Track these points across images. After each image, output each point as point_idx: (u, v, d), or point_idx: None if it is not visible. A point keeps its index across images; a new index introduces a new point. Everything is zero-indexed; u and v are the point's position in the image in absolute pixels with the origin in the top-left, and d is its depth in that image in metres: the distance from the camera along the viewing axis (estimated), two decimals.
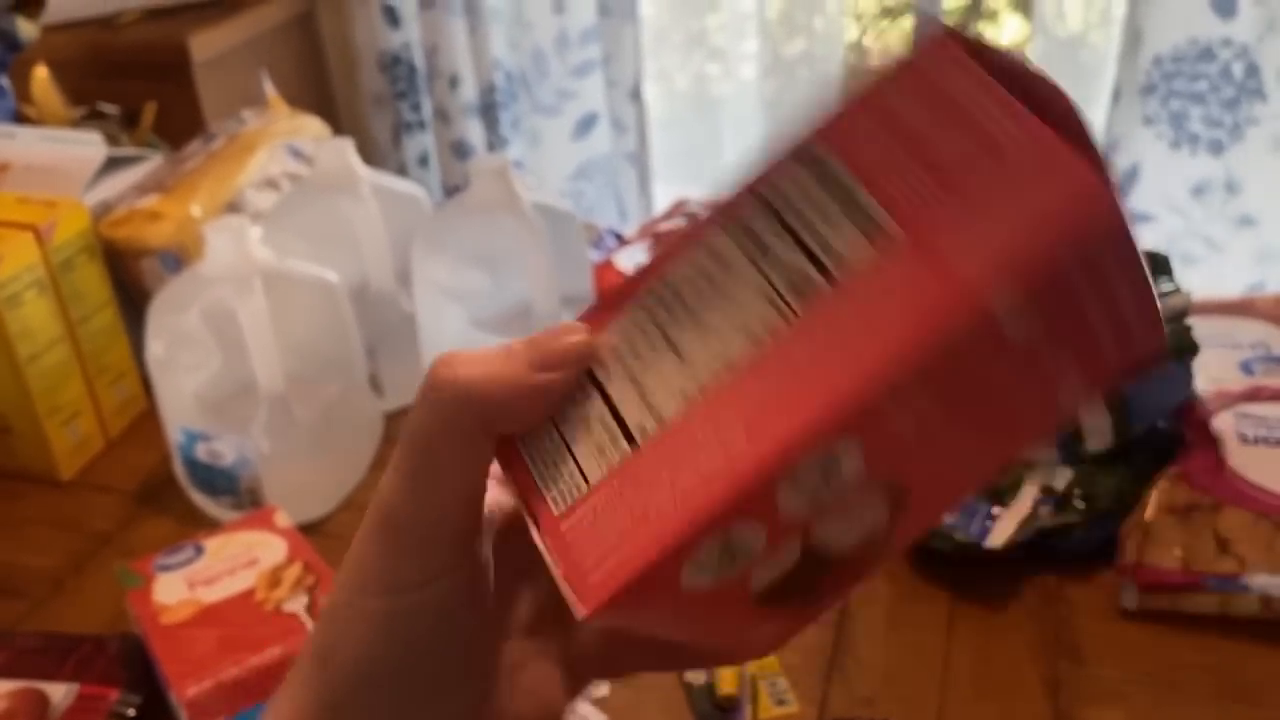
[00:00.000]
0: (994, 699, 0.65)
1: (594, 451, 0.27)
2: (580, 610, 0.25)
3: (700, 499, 0.25)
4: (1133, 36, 1.42)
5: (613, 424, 0.27)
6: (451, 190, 1.98)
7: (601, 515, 0.26)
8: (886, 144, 0.25)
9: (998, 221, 0.24)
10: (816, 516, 0.26)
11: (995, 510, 0.72)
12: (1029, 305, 0.23)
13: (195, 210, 0.94)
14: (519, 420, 0.27)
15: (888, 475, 0.26)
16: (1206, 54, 1.38)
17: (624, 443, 0.26)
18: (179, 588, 0.67)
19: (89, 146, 1.00)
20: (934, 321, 0.24)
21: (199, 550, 0.70)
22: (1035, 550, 0.73)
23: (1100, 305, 0.24)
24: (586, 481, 0.27)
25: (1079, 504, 0.72)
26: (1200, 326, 0.83)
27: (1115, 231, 0.23)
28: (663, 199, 1.94)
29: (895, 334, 0.24)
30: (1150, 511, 0.70)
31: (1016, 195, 0.24)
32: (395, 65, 1.93)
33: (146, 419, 0.94)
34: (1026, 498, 0.72)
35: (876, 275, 0.25)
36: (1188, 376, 0.74)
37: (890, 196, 0.25)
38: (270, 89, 1.20)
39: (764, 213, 0.27)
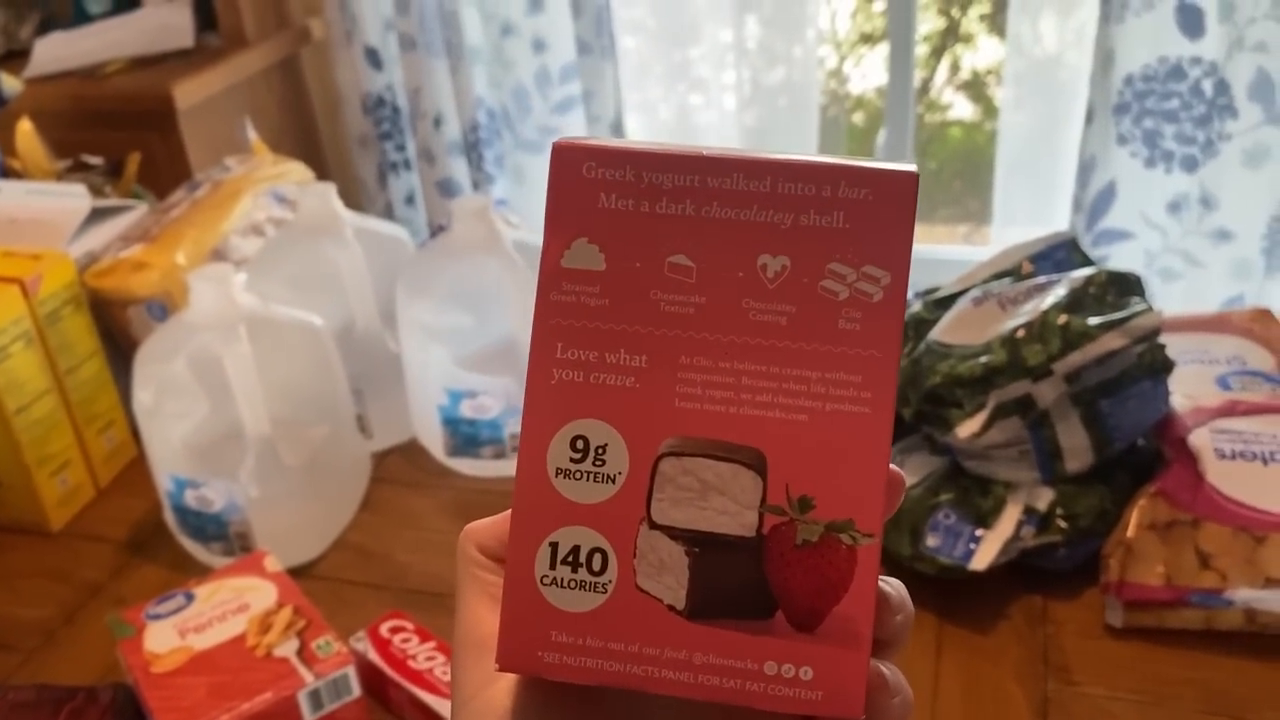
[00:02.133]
0: None
1: None
2: (494, 664, 0.29)
3: (512, 528, 0.29)
4: (1104, 57, 1.43)
5: None
6: (438, 228, 1.99)
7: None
8: None
9: None
10: (635, 499, 0.28)
11: (979, 532, 0.72)
12: None
13: (180, 258, 0.95)
14: (503, 546, 0.31)
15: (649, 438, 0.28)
16: (1177, 72, 1.40)
17: None
18: (170, 636, 0.67)
19: (74, 198, 1.01)
20: None
21: (189, 597, 0.70)
22: (1020, 571, 0.74)
23: None
24: None
25: (1061, 523, 0.72)
26: (1176, 343, 0.84)
27: None
28: None
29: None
30: (1131, 529, 0.71)
31: None
32: (379, 107, 1.95)
33: (136, 467, 0.95)
34: (1009, 519, 0.72)
35: None
36: (1164, 394, 0.75)
37: None
38: (253, 135, 1.22)
39: None
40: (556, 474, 0.29)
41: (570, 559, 0.28)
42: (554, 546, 0.28)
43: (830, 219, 0.28)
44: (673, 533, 0.28)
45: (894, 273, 0.28)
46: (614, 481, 0.28)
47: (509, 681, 0.30)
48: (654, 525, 0.28)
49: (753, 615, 0.28)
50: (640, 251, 0.29)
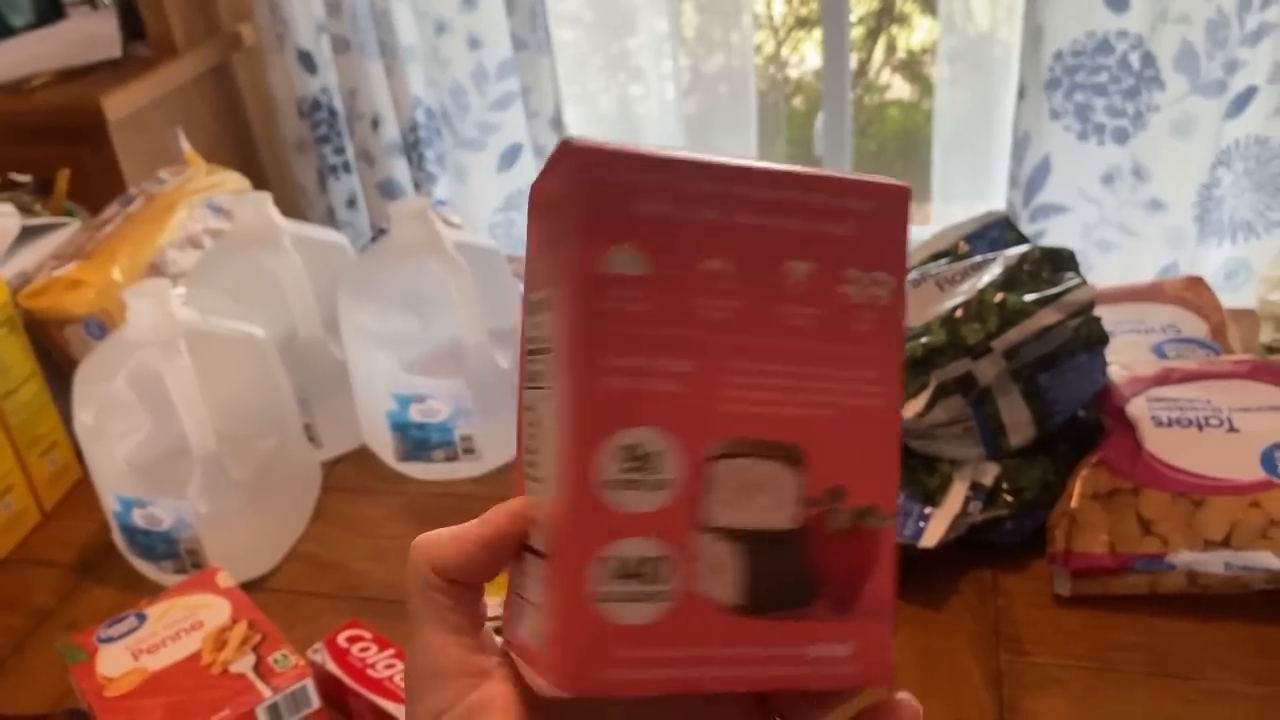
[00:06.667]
0: (940, 695, 0.67)
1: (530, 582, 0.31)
2: (554, 689, 0.28)
3: (556, 547, 0.28)
4: (1033, 33, 1.46)
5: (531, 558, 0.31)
6: (379, 232, 1.98)
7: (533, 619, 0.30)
8: None
9: None
10: (688, 503, 0.28)
11: (928, 510, 0.73)
12: None
13: (116, 275, 0.94)
14: (464, 569, 0.31)
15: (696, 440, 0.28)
16: (1104, 46, 1.43)
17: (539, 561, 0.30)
18: (123, 658, 0.66)
19: (2, 218, 0.99)
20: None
21: (141, 618, 0.69)
22: (969, 546, 0.75)
23: None
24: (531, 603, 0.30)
25: (1007, 497, 0.74)
26: (1112, 314, 0.86)
27: None
28: None
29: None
30: (1075, 500, 0.72)
31: None
32: (315, 110, 1.93)
33: (82, 488, 0.93)
34: (956, 496, 0.73)
35: None
36: (1101, 365, 0.76)
37: None
38: (186, 145, 1.20)
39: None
40: (605, 486, 0.28)
41: (627, 571, 0.28)
42: (609, 561, 0.28)
43: (844, 228, 0.30)
44: (726, 533, 0.29)
45: (897, 277, 0.30)
46: (666, 488, 0.28)
47: (465, 707, 0.30)
48: (707, 528, 0.29)
49: (799, 604, 0.29)
50: (679, 257, 0.28)
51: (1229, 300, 0.93)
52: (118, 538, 0.82)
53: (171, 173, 1.10)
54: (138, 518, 0.79)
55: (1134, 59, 1.43)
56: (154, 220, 1.00)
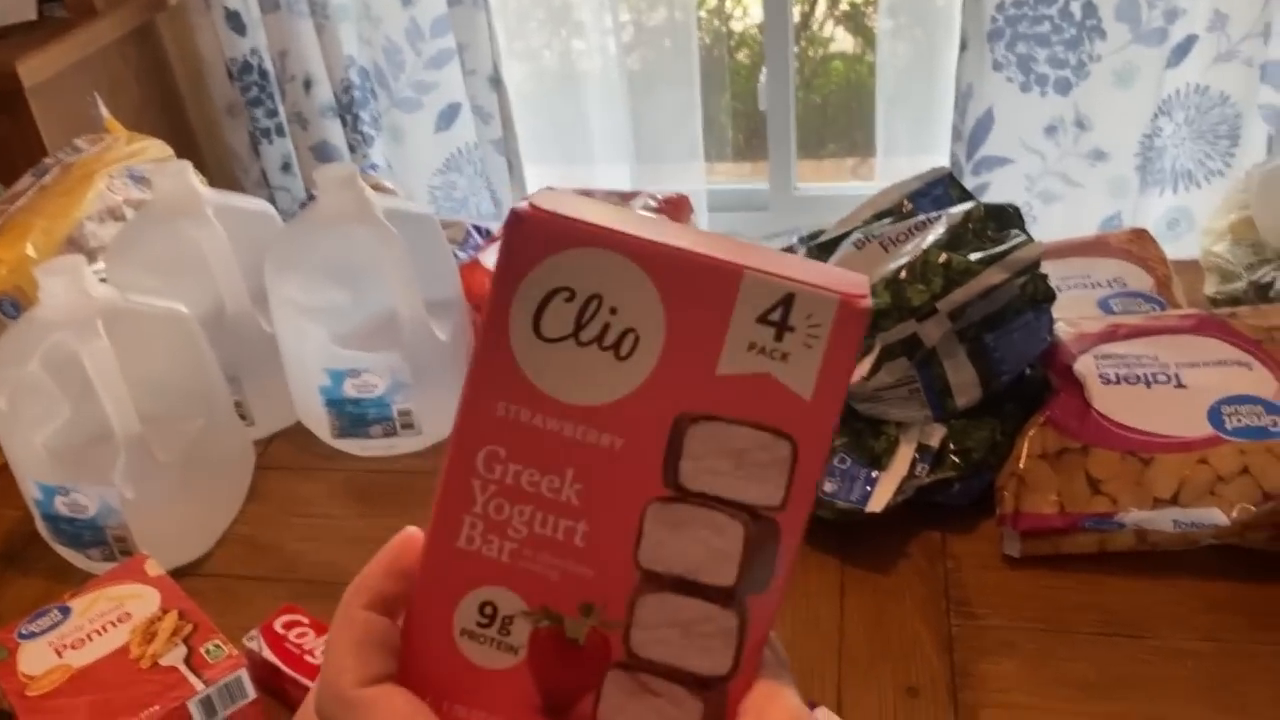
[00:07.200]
0: (891, 660, 0.66)
1: None
2: None
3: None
4: None
5: None
6: (310, 197, 1.93)
7: None
8: None
9: None
10: None
11: (874, 474, 0.72)
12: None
13: (30, 250, 0.89)
14: None
15: None
16: None
17: None
18: (46, 655, 0.64)
19: None
20: None
21: (65, 612, 0.67)
22: (917, 508, 0.74)
23: None
24: None
25: (954, 459, 0.73)
26: (1058, 269, 0.85)
27: None
28: (535, 181, 1.92)
29: None
30: (1023, 460, 0.71)
31: None
32: (246, 72, 1.87)
33: (5, 474, 0.90)
34: (903, 458, 0.72)
35: None
36: (1047, 323, 0.75)
37: None
38: (105, 112, 1.15)
39: None
40: None
41: None
42: None
43: None
44: None
45: None
46: None
47: None
48: None
49: None
50: None
51: (1171, 250, 0.92)
52: (41, 526, 0.79)
53: (89, 141, 1.05)
54: (60, 505, 0.76)
55: (1075, 9, 1.42)
56: (70, 192, 0.96)
